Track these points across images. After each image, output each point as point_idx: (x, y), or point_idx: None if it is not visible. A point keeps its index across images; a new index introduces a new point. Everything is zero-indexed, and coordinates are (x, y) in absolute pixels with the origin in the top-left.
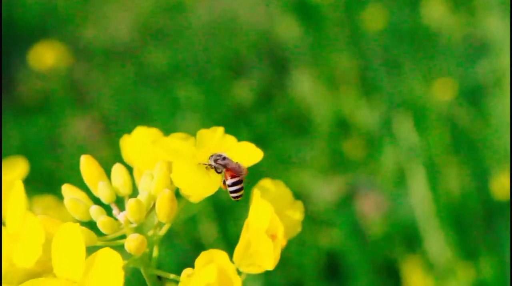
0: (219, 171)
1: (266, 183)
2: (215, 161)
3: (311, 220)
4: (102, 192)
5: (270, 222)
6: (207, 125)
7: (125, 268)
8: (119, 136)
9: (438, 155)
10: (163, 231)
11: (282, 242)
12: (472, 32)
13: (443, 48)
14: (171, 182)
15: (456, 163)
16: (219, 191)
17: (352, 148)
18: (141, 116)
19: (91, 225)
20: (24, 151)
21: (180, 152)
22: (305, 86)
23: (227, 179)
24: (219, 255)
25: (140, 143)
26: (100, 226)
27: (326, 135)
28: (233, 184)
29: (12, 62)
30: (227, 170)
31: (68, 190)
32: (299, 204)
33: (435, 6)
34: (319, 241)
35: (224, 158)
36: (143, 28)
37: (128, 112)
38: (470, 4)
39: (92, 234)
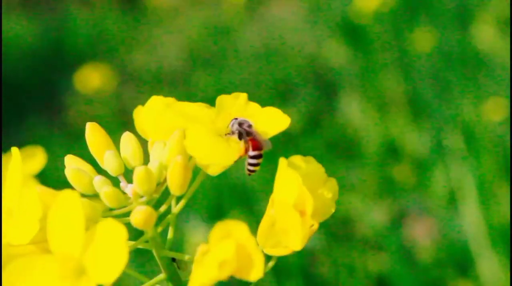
0: (241, 138)
1: (296, 159)
2: (240, 124)
3: (360, 244)
4: (109, 162)
5: (298, 195)
6: None
7: (133, 248)
8: None
9: (489, 177)
10: (178, 208)
11: (312, 222)
12: None
13: (492, 70)
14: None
15: (508, 185)
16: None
17: (402, 172)
18: None
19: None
20: None
21: (196, 117)
22: (353, 110)
23: (248, 150)
24: (237, 228)
25: (155, 111)
26: (103, 197)
27: (375, 159)
28: (254, 157)
29: (60, 87)
30: (251, 139)
31: (71, 161)
32: (333, 182)
33: (484, 28)
34: (369, 265)
35: (250, 125)
36: (191, 52)
37: None
38: None
39: (96, 207)
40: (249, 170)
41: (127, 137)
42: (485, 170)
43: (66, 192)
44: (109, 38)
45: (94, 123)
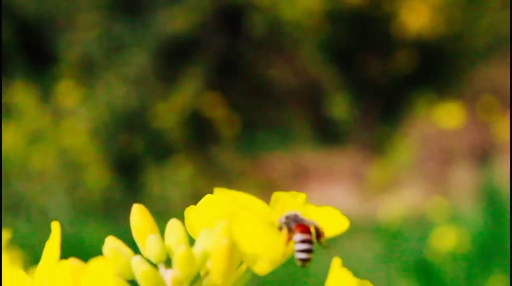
0: (289, 229)
1: (347, 273)
2: (287, 217)
3: None
4: (151, 247)
5: None
6: None
7: None
8: None
9: None
10: None
11: None
12: None
13: None
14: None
15: None
16: None
17: None
18: None
19: None
20: None
21: (250, 207)
22: None
23: (293, 236)
24: None
25: (208, 207)
26: (140, 278)
27: None
28: (302, 241)
29: None
30: (297, 225)
31: (111, 241)
32: None
33: None
34: None
35: (296, 215)
36: None
37: None
38: None
39: None
40: (299, 258)
41: (174, 225)
42: None
43: (98, 260)
44: None
45: (140, 205)
